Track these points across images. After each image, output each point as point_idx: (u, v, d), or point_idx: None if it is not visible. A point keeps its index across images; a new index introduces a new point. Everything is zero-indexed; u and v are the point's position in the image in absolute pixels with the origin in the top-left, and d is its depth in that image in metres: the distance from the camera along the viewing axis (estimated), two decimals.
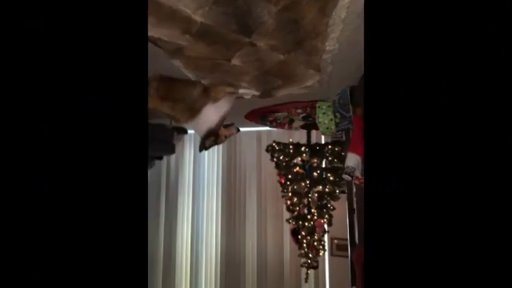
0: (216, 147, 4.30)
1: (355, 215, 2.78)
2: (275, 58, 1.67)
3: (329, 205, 2.75)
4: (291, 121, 2.72)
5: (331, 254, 3.64)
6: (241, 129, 2.21)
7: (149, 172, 3.88)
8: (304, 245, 2.80)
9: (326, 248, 3.00)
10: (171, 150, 2.99)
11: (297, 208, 2.80)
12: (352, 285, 2.79)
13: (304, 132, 2.96)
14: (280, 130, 3.40)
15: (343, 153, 2.64)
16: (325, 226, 2.81)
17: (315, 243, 2.77)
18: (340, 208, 2.97)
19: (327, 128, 2.37)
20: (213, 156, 4.33)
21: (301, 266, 2.99)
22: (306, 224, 2.75)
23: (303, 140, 2.93)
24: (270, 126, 2.90)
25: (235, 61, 1.69)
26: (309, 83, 2.04)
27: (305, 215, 2.76)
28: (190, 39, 1.44)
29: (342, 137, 3.02)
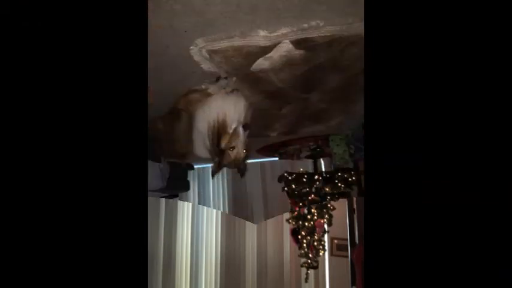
0: (220, 180, 4.21)
1: (355, 215, 2.80)
2: (319, 106, 1.83)
3: (329, 205, 2.79)
4: (300, 152, 2.90)
5: (331, 254, 3.65)
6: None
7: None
8: (304, 245, 2.82)
9: (326, 248, 3.01)
10: (186, 187, 3.09)
11: (297, 208, 2.83)
12: (352, 285, 2.79)
13: (305, 159, 3.10)
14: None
15: (350, 179, 2.79)
16: (325, 226, 2.83)
17: (315, 243, 2.80)
18: (340, 208, 2.99)
19: (342, 158, 2.56)
20: (218, 190, 4.25)
21: (301, 266, 3.00)
22: (306, 224, 2.78)
23: (305, 167, 3.12)
24: (280, 158, 3.06)
25: (284, 110, 1.83)
26: (333, 122, 2.22)
27: (305, 215, 2.79)
28: (260, 96, 1.58)
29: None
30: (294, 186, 2.90)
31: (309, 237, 2.79)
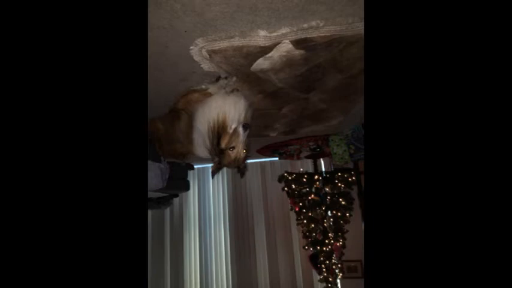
0: (220, 180, 4.10)
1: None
2: (319, 107, 1.88)
3: (343, 228, 2.87)
4: (299, 152, 2.95)
5: (342, 277, 3.69)
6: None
7: (153, 212, 3.81)
8: (324, 269, 2.88)
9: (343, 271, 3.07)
10: (187, 187, 3.08)
11: (314, 234, 2.90)
12: None
13: (305, 160, 3.14)
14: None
15: (350, 179, 2.90)
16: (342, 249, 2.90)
17: (333, 267, 2.87)
18: (350, 230, 3.00)
19: (342, 158, 2.63)
20: (218, 189, 4.19)
21: None
22: (324, 248, 2.86)
23: (305, 167, 3.21)
24: (280, 158, 3.10)
25: (285, 110, 1.88)
26: (333, 122, 2.28)
27: (322, 240, 2.87)
28: (260, 96, 1.61)
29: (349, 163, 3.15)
30: (294, 186, 2.98)
31: (327, 261, 2.87)
